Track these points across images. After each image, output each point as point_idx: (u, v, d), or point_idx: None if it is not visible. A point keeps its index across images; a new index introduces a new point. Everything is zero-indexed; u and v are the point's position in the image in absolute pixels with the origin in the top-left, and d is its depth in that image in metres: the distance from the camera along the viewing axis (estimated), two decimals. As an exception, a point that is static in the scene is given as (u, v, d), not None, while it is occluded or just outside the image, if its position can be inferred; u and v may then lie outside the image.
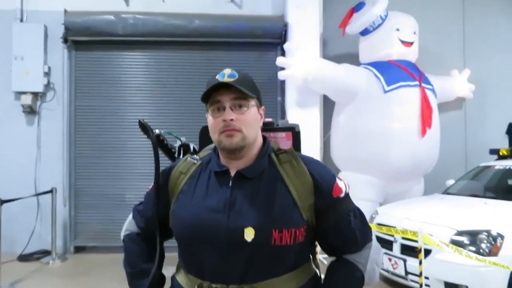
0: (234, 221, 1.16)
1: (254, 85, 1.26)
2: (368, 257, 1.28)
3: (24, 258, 5.46)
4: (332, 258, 1.32)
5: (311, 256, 1.33)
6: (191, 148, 1.71)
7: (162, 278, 1.38)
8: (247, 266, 1.15)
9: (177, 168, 1.33)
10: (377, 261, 1.33)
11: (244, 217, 1.17)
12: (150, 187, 1.36)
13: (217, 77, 1.21)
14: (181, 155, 1.69)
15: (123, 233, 1.44)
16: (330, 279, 1.28)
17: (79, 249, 5.92)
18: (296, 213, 1.19)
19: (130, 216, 1.44)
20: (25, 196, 5.02)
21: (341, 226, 1.25)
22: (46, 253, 5.56)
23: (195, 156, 1.34)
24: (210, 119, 1.23)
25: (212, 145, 1.32)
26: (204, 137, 1.29)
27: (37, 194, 5.47)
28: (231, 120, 1.18)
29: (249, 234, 1.14)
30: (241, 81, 1.20)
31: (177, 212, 1.27)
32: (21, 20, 5.86)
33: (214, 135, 1.23)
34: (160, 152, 1.55)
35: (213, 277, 1.18)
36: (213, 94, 1.21)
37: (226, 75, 1.21)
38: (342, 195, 1.25)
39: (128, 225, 1.44)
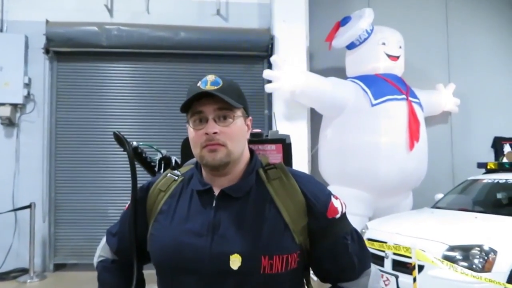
0: (218, 246, 1.04)
1: (241, 93, 1.14)
2: (366, 285, 1.15)
3: (0, 277, 5.21)
4: (327, 285, 1.19)
5: (304, 281, 1.20)
6: (173, 161, 1.59)
7: None
8: None
9: (156, 185, 1.20)
10: None
11: (229, 242, 1.04)
12: (127, 205, 1.23)
13: (198, 84, 1.09)
14: (162, 169, 1.56)
15: (96, 260, 1.30)
16: None
17: (59, 267, 5.69)
18: (287, 237, 1.06)
19: (104, 240, 1.30)
20: (2, 212, 4.81)
21: (337, 251, 1.12)
22: (24, 271, 5.33)
23: (176, 171, 1.22)
24: (191, 131, 1.11)
25: (194, 159, 1.19)
26: (187, 150, 1.16)
27: (15, 210, 5.27)
28: (215, 133, 1.06)
29: (235, 261, 1.02)
30: (226, 89, 1.08)
31: (155, 235, 1.14)
32: (1, 30, 5.72)
33: (195, 150, 1.10)
34: (139, 166, 1.43)
35: None
36: (195, 103, 1.08)
37: (209, 82, 1.09)
38: (338, 215, 1.12)
39: (102, 250, 1.30)
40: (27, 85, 5.68)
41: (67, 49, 5.66)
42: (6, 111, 5.53)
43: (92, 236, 5.60)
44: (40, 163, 5.66)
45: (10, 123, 5.64)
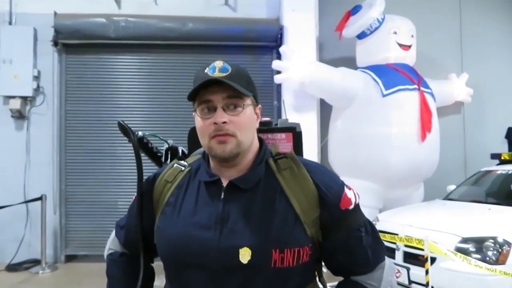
0: (226, 240, 1.00)
1: (250, 80, 1.09)
2: (381, 279, 1.10)
3: (12, 268, 5.28)
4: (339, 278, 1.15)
5: (316, 274, 1.16)
6: (180, 151, 1.56)
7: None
8: None
9: (163, 176, 1.16)
10: (392, 283, 1.13)
11: (239, 235, 1.00)
12: (134, 197, 1.20)
13: (206, 70, 1.04)
14: (169, 160, 1.53)
15: (105, 253, 1.28)
16: None
17: (70, 258, 5.75)
18: (299, 229, 1.02)
19: (113, 233, 1.28)
20: (13, 204, 4.85)
21: (351, 244, 1.07)
22: (36, 262, 5.39)
23: (182, 162, 1.17)
24: (198, 121, 1.06)
25: (201, 149, 1.15)
26: (194, 139, 1.12)
27: (26, 201, 5.31)
28: (224, 123, 1.01)
29: (244, 255, 0.97)
30: (235, 76, 1.03)
31: (162, 228, 1.10)
32: (10, 23, 5.73)
33: (203, 140, 1.06)
34: (145, 157, 1.40)
35: None
36: (202, 90, 1.04)
37: (217, 68, 1.04)
38: (351, 206, 1.07)
39: (111, 243, 1.28)
40: (37, 78, 5.70)
41: (75, 41, 5.67)
42: (16, 104, 5.56)
43: (102, 228, 5.65)
44: (50, 156, 5.70)
45: (20, 116, 5.68)
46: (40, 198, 5.28)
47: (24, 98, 5.66)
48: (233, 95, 1.03)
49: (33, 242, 5.53)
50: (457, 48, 6.60)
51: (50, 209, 5.56)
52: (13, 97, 5.58)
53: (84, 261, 5.71)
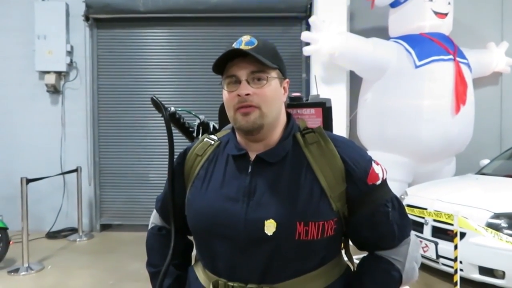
0: (253, 212, 1.02)
1: (276, 54, 1.09)
2: (406, 254, 1.10)
3: (52, 235, 5.58)
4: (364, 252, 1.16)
5: (342, 247, 1.17)
6: (211, 127, 1.58)
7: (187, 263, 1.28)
8: (268, 263, 1.02)
9: (193, 150, 1.18)
10: (417, 259, 1.13)
11: (264, 208, 1.02)
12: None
13: (233, 45, 1.05)
14: (200, 135, 1.55)
15: (149, 227, 1.33)
16: (362, 278, 1.12)
17: (104, 227, 6.02)
18: (324, 203, 1.03)
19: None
20: (51, 175, 5.07)
21: (377, 219, 1.07)
22: (73, 230, 5.68)
23: (212, 136, 1.20)
24: (225, 94, 1.08)
25: (231, 124, 1.16)
26: (224, 114, 1.13)
27: (63, 173, 5.53)
28: (247, 95, 1.02)
29: (270, 227, 0.99)
30: (261, 49, 1.03)
31: (192, 200, 1.14)
32: (43, -1, 5.82)
33: (229, 112, 1.08)
34: (177, 132, 1.43)
35: (230, 274, 1.05)
36: (229, 65, 1.05)
37: (244, 42, 1.04)
38: (379, 182, 1.07)
39: (153, 217, 1.33)
40: (70, 53, 5.83)
41: (105, 16, 5.73)
42: (51, 79, 5.72)
43: (134, 199, 5.86)
44: (85, 129, 5.89)
45: (55, 90, 5.85)
46: (75, 170, 5.50)
47: (58, 73, 5.82)
48: (257, 69, 1.04)
49: (70, 211, 5.80)
50: (498, 14, 6.24)
51: (85, 180, 5.80)
52: (48, 72, 5.74)
53: (118, 230, 5.97)
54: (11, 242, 4.35)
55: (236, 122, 1.06)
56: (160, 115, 1.29)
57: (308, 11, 5.56)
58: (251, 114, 1.03)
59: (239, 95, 1.03)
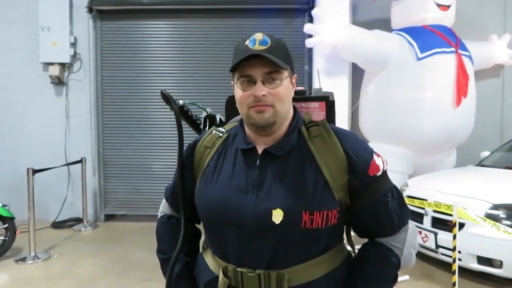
0: (261, 203, 1.08)
1: (288, 52, 1.13)
2: (404, 240, 1.17)
3: (57, 225, 5.67)
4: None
5: (344, 235, 1.24)
6: (217, 119, 1.63)
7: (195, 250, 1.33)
8: (275, 250, 1.08)
9: (202, 142, 1.23)
10: (414, 245, 1.20)
11: (272, 198, 1.08)
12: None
13: (246, 43, 1.09)
14: (207, 127, 1.60)
15: (158, 216, 1.39)
16: (363, 264, 1.18)
17: (109, 217, 6.10)
18: (328, 193, 1.09)
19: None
20: (56, 166, 5.13)
21: (377, 208, 1.13)
22: (78, 220, 5.76)
23: (220, 128, 1.25)
24: (238, 92, 1.12)
25: (238, 117, 1.21)
26: (231, 107, 1.18)
27: (68, 164, 5.59)
28: (263, 96, 1.07)
29: (277, 216, 1.06)
30: (274, 49, 1.07)
31: (202, 190, 1.19)
32: (47, -10, 5.83)
33: (242, 109, 1.12)
34: (185, 124, 1.48)
35: (239, 260, 1.11)
36: (243, 64, 1.09)
37: (258, 41, 1.08)
38: (379, 173, 1.13)
39: (162, 207, 1.38)
40: (73, 45, 5.86)
41: (109, 7, 5.75)
42: (55, 70, 5.76)
43: (138, 189, 5.93)
44: (89, 120, 5.94)
45: (59, 82, 5.89)
46: (80, 161, 5.56)
47: (62, 65, 5.85)
48: (272, 70, 1.08)
49: (75, 202, 5.87)
50: (500, 7, 6.23)
51: (90, 171, 5.87)
52: (52, 63, 5.78)
53: (122, 220, 6.05)
54: (17, 232, 4.43)
55: (250, 118, 1.11)
56: (169, 107, 1.33)
57: (310, 3, 5.56)
58: (266, 112, 1.08)
59: (254, 96, 1.08)
